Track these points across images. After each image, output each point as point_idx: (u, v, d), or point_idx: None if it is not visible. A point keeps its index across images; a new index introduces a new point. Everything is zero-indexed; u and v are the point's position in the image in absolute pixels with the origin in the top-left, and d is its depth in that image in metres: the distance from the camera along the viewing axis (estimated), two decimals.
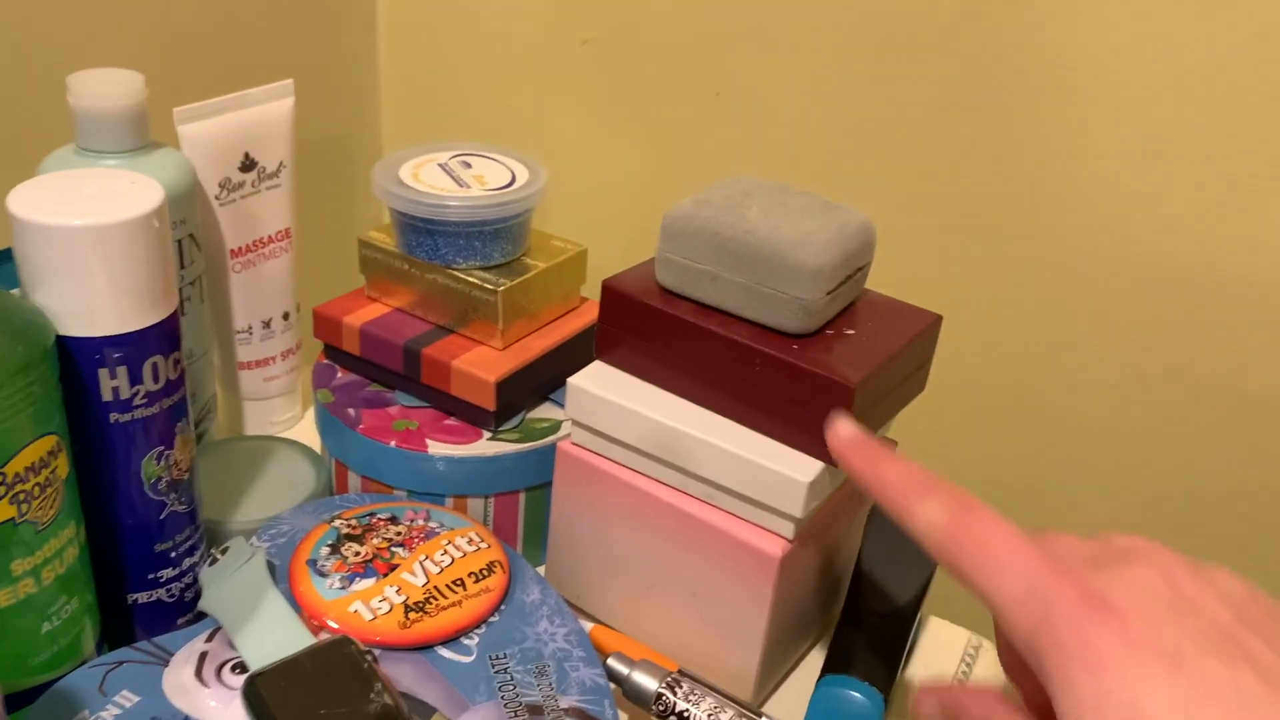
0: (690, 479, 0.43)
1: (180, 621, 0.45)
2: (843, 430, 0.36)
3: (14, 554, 0.37)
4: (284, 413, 0.62)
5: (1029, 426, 0.65)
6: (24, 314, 0.36)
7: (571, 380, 0.45)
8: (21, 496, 0.36)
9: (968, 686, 0.33)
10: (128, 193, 0.39)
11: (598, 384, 0.45)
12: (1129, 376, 0.61)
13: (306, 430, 0.61)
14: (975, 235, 0.62)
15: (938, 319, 0.45)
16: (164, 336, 0.40)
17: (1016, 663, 0.32)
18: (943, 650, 0.50)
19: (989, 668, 0.50)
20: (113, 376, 0.39)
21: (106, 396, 0.39)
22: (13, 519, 0.36)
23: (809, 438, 0.41)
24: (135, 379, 0.39)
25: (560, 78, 0.72)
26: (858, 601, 0.44)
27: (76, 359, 0.38)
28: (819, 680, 0.44)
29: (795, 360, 0.40)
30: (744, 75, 0.66)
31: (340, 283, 0.64)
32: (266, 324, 0.59)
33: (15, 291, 0.38)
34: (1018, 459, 0.66)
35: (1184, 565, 0.27)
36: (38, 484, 0.37)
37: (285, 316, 0.60)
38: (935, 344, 0.46)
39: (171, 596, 0.44)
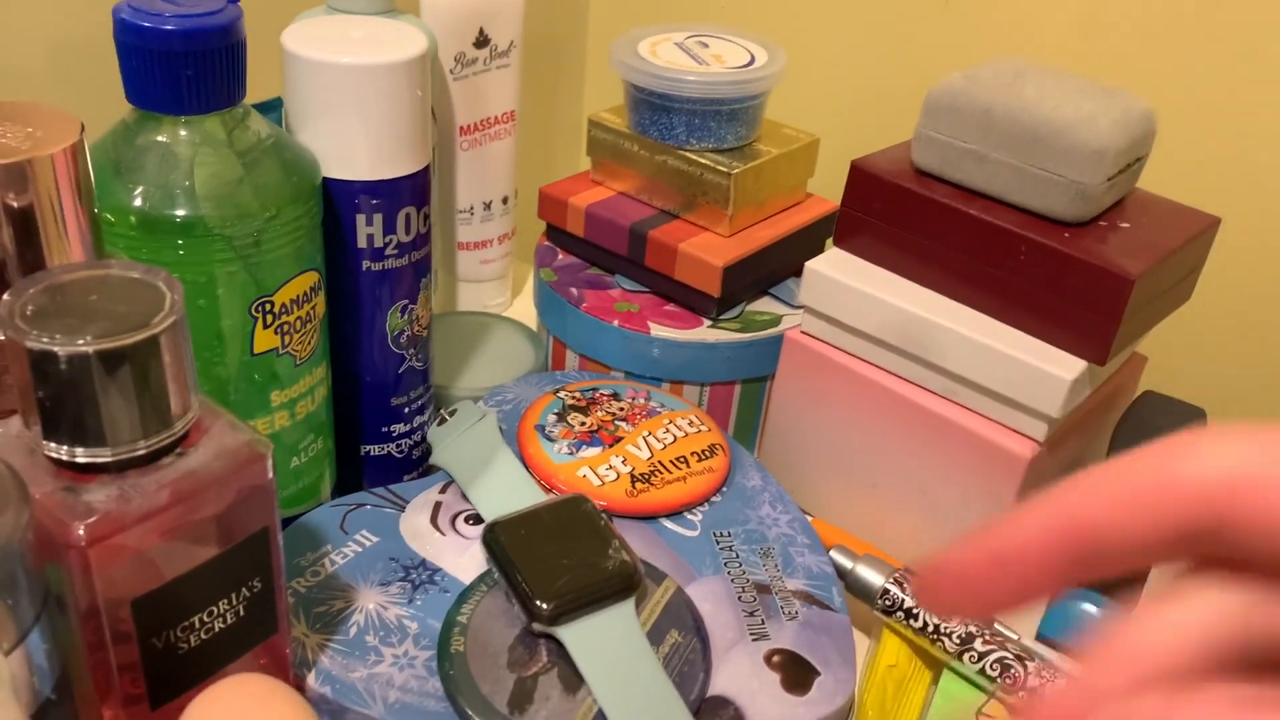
0: (933, 373, 0.41)
1: (406, 478, 0.46)
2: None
3: (273, 385, 0.38)
4: (496, 297, 0.62)
5: None
6: (295, 149, 0.37)
7: (810, 264, 0.44)
8: (285, 328, 0.37)
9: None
10: (394, 38, 0.39)
11: (838, 269, 0.43)
12: None
13: (517, 315, 0.62)
14: (1248, 157, 0.57)
15: (1216, 221, 0.41)
16: (417, 188, 0.40)
17: None
18: None
19: None
20: (369, 224, 0.39)
21: (361, 243, 0.40)
22: (275, 349, 0.37)
23: (1074, 333, 0.38)
24: (389, 228, 0.40)
25: None
26: None
27: (336, 203, 0.39)
28: None
29: (1068, 249, 0.38)
30: None
31: (546, 172, 0.64)
32: (487, 206, 0.59)
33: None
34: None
35: None
36: (299, 318, 0.37)
37: (505, 200, 0.60)
38: (1209, 249, 0.42)
39: (401, 452, 0.45)
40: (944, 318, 0.40)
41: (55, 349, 0.24)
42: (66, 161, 0.28)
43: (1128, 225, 0.39)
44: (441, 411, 0.45)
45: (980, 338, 0.39)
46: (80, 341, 0.24)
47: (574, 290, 0.52)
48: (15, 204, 0.28)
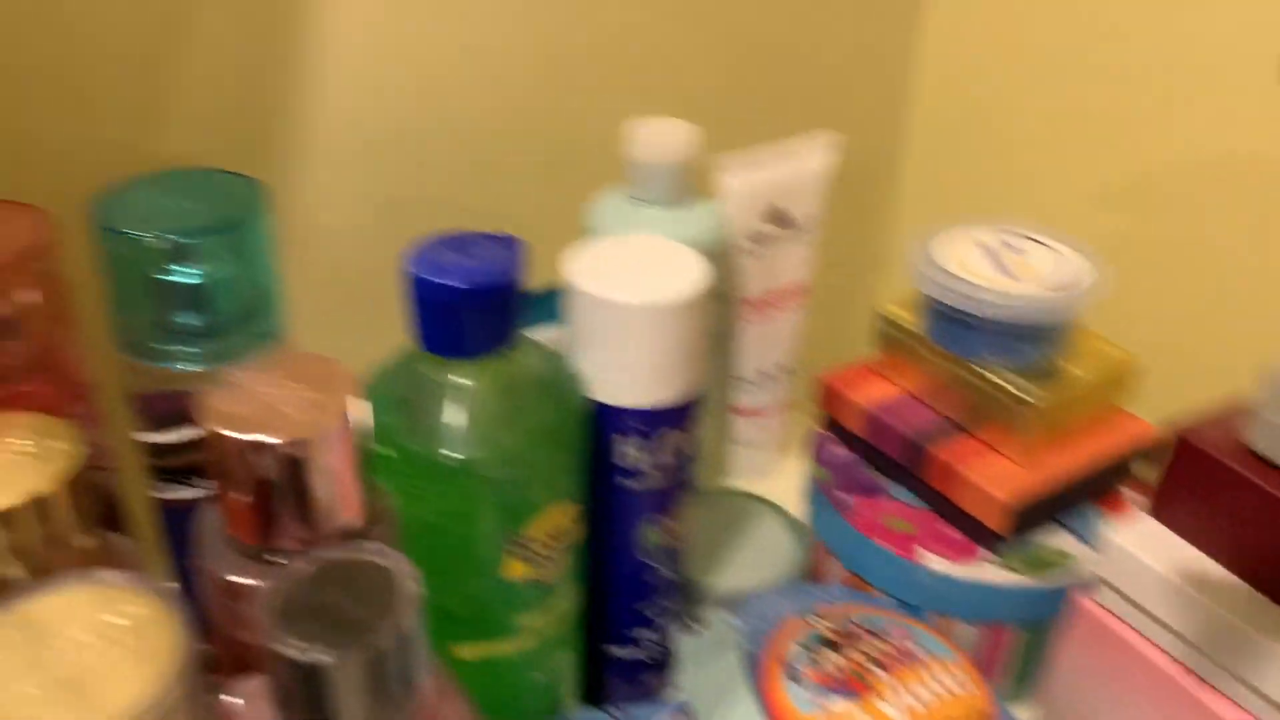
0: (1248, 691, 0.35)
1: (651, 679, 0.45)
2: None
3: (521, 609, 0.38)
4: (769, 465, 0.60)
5: None
6: (564, 385, 0.37)
7: (1111, 535, 0.39)
8: (538, 559, 0.37)
9: None
10: (675, 269, 0.38)
11: (1145, 547, 0.38)
12: None
13: (787, 486, 0.59)
14: None
15: None
16: (684, 416, 0.39)
17: None
18: None
19: None
20: (630, 446, 0.39)
21: (620, 463, 0.39)
22: (526, 577, 0.37)
23: None
24: (651, 450, 0.39)
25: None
26: None
27: (600, 420, 0.39)
28: None
29: None
30: None
31: (840, 346, 0.61)
32: (769, 375, 0.58)
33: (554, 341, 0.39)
34: None
35: None
36: (553, 548, 0.38)
37: (787, 371, 0.58)
38: None
39: (647, 656, 0.45)
40: (1263, 629, 0.34)
41: (298, 657, 0.25)
42: (345, 433, 0.29)
43: None
44: (694, 622, 0.44)
45: None
46: (321, 654, 0.25)
47: (845, 496, 0.49)
48: (294, 478, 0.29)
